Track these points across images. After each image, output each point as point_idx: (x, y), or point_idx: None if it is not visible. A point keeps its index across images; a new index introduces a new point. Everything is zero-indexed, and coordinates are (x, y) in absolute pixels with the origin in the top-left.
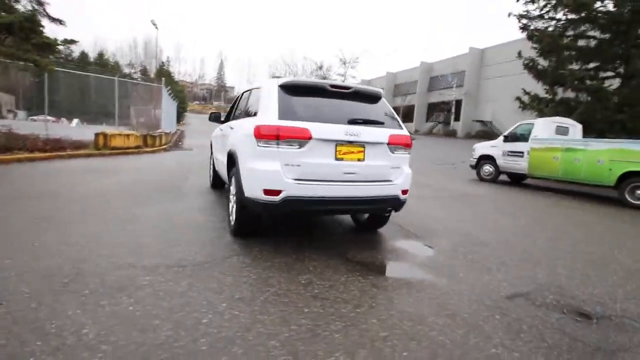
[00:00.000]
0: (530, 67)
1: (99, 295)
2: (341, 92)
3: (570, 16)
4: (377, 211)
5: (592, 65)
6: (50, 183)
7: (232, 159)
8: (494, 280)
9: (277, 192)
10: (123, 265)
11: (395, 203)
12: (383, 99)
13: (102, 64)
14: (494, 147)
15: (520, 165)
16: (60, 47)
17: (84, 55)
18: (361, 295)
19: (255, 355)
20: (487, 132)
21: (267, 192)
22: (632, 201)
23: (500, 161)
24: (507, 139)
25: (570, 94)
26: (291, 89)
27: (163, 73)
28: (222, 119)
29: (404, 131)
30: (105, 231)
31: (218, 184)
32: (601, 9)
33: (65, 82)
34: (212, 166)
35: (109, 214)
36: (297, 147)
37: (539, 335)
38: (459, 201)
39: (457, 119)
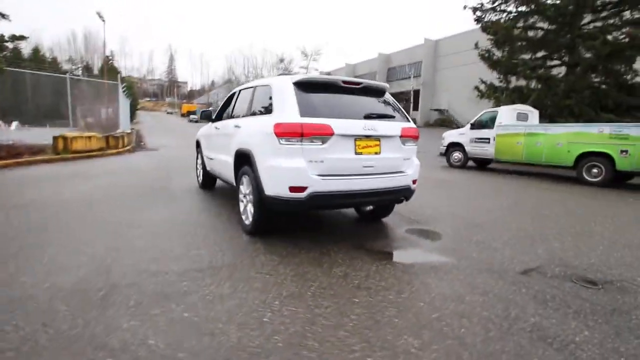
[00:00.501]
0: (486, 57)
1: (146, 305)
2: (352, 88)
3: (520, 8)
4: (391, 201)
5: (540, 54)
6: (27, 192)
7: (243, 158)
8: (505, 258)
9: (303, 189)
10: (154, 273)
11: (407, 193)
12: (387, 93)
13: (39, 60)
14: (462, 135)
15: (488, 151)
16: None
17: (16, 50)
18: (398, 282)
19: (332, 345)
20: (445, 120)
21: (293, 189)
22: (589, 179)
23: (468, 148)
24: (474, 126)
25: (522, 82)
26: (305, 86)
27: (109, 69)
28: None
29: (412, 124)
30: (115, 239)
31: (208, 183)
32: (549, 1)
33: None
34: (201, 166)
35: (108, 220)
36: (320, 143)
37: (563, 302)
38: (439, 187)
39: (415, 108)
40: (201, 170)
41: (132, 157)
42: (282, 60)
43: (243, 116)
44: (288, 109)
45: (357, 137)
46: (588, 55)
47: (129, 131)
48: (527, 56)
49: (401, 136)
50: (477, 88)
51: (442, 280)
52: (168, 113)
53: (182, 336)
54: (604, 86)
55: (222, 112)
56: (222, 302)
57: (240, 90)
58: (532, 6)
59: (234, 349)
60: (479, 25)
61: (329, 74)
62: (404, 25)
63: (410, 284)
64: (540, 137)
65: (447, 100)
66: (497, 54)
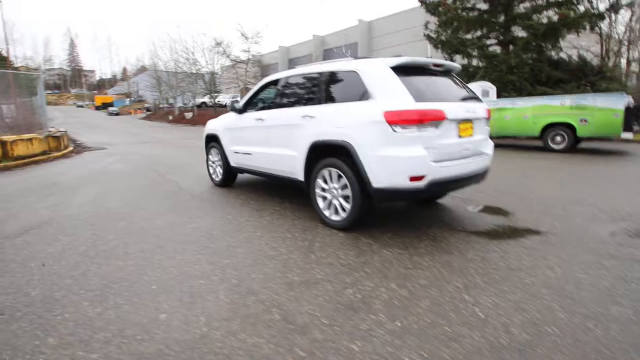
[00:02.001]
0: (431, 37)
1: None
2: (437, 70)
3: None
4: (476, 183)
5: (477, 34)
6: (12, 210)
7: (327, 151)
8: (585, 225)
9: (422, 177)
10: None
11: (487, 173)
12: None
13: None
14: None
15: None
16: None
17: None
18: (520, 262)
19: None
20: None
21: (414, 178)
22: (554, 146)
23: None
24: None
25: (464, 61)
26: (400, 70)
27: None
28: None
29: (485, 103)
30: (214, 260)
31: (229, 180)
32: None
33: None
34: (219, 163)
35: (166, 238)
36: (434, 129)
37: None
38: None
39: None
40: (219, 168)
41: (87, 159)
42: (219, 44)
43: (306, 105)
44: (398, 95)
45: (460, 121)
46: (523, 34)
47: (63, 130)
48: (469, 36)
49: (486, 117)
50: None
51: (550, 254)
52: (78, 106)
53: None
54: (539, 63)
55: (255, 103)
56: (385, 293)
57: (288, 78)
58: None
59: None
60: (422, 5)
61: (262, 57)
62: (335, 6)
63: (534, 263)
64: (508, 111)
65: None
66: (442, 34)
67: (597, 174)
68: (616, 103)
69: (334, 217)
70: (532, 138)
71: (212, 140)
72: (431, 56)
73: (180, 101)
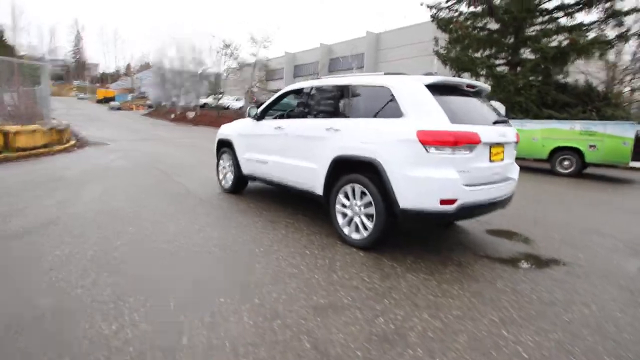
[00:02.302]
0: (440, 54)
1: None
2: (469, 91)
3: (471, 9)
4: (502, 208)
5: (486, 53)
6: (17, 205)
7: (352, 166)
8: (608, 257)
9: (453, 201)
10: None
11: (512, 198)
12: None
13: None
14: None
15: None
16: None
17: None
18: (553, 296)
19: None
20: None
21: (444, 201)
22: (561, 170)
23: None
24: None
25: (472, 79)
26: (435, 88)
27: (0, 46)
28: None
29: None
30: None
31: (240, 188)
32: (502, 4)
33: None
34: (230, 169)
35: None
36: (468, 152)
37: None
38: None
39: None
40: (230, 174)
41: (90, 154)
42: (228, 46)
43: (331, 117)
44: (433, 115)
45: (492, 145)
46: (531, 56)
47: (66, 123)
48: (478, 54)
49: (516, 142)
50: None
51: (585, 283)
52: (80, 98)
53: None
54: (546, 85)
55: (274, 111)
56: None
57: (312, 87)
58: (484, 7)
59: None
60: (434, 21)
61: (268, 61)
62: (344, 17)
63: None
64: (518, 133)
65: None
66: (452, 51)
67: (606, 201)
68: (626, 131)
69: (355, 235)
70: (540, 160)
71: (225, 146)
72: (437, 71)
73: (183, 100)
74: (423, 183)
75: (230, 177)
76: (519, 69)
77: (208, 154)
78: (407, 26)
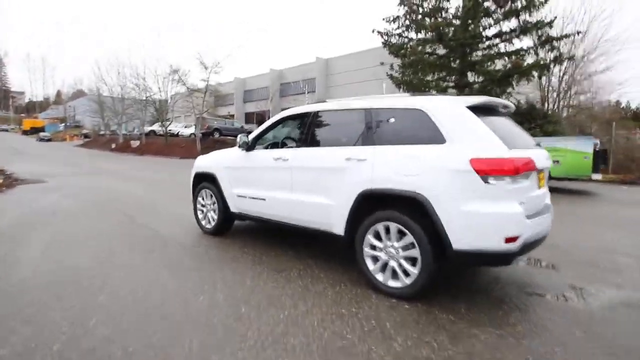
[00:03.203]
0: (394, 77)
1: None
2: (503, 112)
3: (420, 36)
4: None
5: (437, 76)
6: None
7: (387, 201)
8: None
9: (516, 238)
10: None
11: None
12: None
13: None
14: None
15: None
16: None
17: None
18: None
19: None
20: None
21: (509, 239)
22: None
23: None
24: None
25: None
26: (476, 110)
27: None
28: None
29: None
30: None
31: (225, 228)
32: (449, 31)
33: None
34: (211, 207)
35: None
36: (526, 180)
37: None
38: None
39: None
40: (213, 213)
41: (24, 195)
42: (175, 71)
43: (352, 145)
44: (485, 140)
45: (539, 170)
46: (478, 78)
47: None
48: (429, 77)
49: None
50: None
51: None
52: (2, 130)
53: None
54: None
55: (269, 139)
56: None
57: (321, 112)
58: (434, 34)
59: None
60: (386, 47)
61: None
62: (293, 42)
63: None
64: None
65: None
66: (405, 74)
67: (588, 215)
68: (586, 146)
69: (392, 283)
70: None
71: (205, 180)
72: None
73: (125, 128)
74: (484, 219)
75: (212, 216)
76: (466, 90)
77: (168, 187)
78: (355, 52)
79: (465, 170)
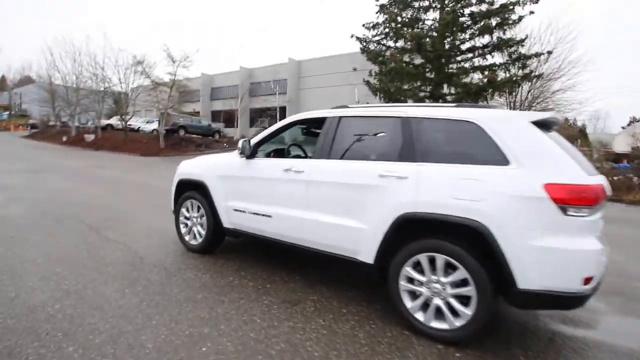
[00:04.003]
0: (371, 84)
1: None
2: (556, 129)
3: (399, 44)
4: None
5: (414, 85)
6: None
7: (433, 228)
8: None
9: (592, 278)
10: None
11: None
12: None
13: None
14: None
15: None
16: None
17: None
18: None
19: None
20: None
21: (587, 280)
22: None
23: None
24: None
25: None
26: (540, 126)
27: None
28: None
29: None
30: None
31: (214, 245)
32: (427, 42)
33: None
34: (197, 220)
35: None
36: (599, 211)
37: None
38: None
39: None
40: (200, 227)
41: None
42: (140, 62)
43: (389, 161)
44: (561, 164)
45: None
46: (453, 90)
47: None
48: (406, 86)
49: None
50: None
51: None
52: None
53: None
54: None
55: (276, 148)
56: None
57: (347, 118)
58: (413, 43)
59: None
60: (364, 54)
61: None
62: (264, 41)
63: None
64: None
65: None
66: (383, 82)
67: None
68: None
69: (437, 324)
70: None
71: (192, 189)
72: (358, 101)
73: (78, 120)
74: (561, 256)
75: (199, 231)
76: (440, 101)
77: (137, 190)
78: (328, 56)
79: (537, 197)
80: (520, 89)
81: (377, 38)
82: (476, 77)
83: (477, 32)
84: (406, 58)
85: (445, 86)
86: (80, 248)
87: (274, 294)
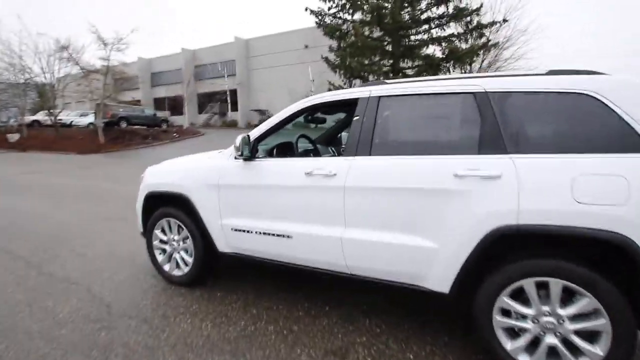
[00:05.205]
0: (330, 61)
1: None
2: None
3: (357, 17)
4: None
5: (374, 60)
6: None
7: (550, 246)
8: None
9: None
10: None
11: None
12: None
13: None
14: None
15: None
16: None
17: None
18: None
19: None
20: None
21: None
22: None
23: None
24: None
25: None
26: None
27: None
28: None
29: None
30: None
31: (207, 273)
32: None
33: None
34: (191, 244)
35: None
36: None
37: None
38: None
39: (234, 109)
40: (184, 253)
41: None
42: (65, 47)
43: (448, 153)
44: None
45: None
46: (415, 63)
47: None
48: (366, 61)
49: None
50: (329, 90)
51: None
52: None
53: None
54: None
55: (283, 143)
56: None
57: (380, 99)
58: (372, 16)
59: None
60: (320, 28)
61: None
62: (205, 19)
63: None
64: None
65: (266, 100)
66: (343, 57)
67: None
68: None
69: None
70: None
71: (167, 204)
72: (313, 80)
73: None
74: None
75: (183, 258)
76: (400, 75)
77: (79, 198)
78: (278, 33)
79: None
80: (479, 58)
81: (333, 11)
82: (436, 48)
83: (434, 2)
84: (366, 31)
85: (404, 59)
86: (15, 300)
87: (309, 340)
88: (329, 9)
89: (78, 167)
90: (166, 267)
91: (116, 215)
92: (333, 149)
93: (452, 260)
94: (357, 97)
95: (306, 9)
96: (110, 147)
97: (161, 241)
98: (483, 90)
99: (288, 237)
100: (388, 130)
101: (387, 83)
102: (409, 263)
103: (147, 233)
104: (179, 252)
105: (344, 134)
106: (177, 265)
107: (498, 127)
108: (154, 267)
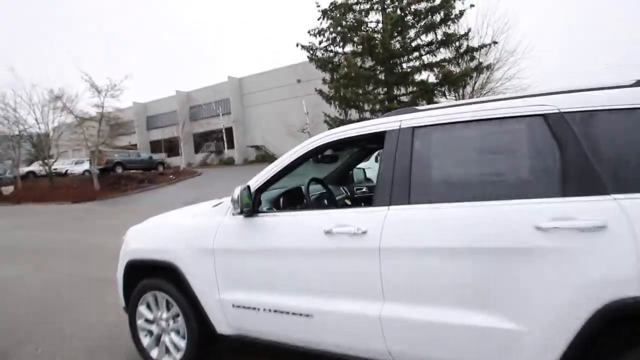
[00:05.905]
0: (324, 93)
1: None
2: None
3: (348, 49)
4: None
5: (368, 89)
6: None
7: None
8: None
9: None
10: None
11: None
12: None
13: None
14: None
15: None
16: None
17: None
18: None
19: None
20: (264, 156)
21: None
22: None
23: None
24: None
25: (356, 116)
26: None
27: None
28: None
29: None
30: None
31: (203, 356)
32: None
33: None
34: (182, 324)
35: None
36: None
37: None
38: None
39: (231, 146)
40: (174, 335)
41: None
42: (58, 97)
43: (518, 197)
44: None
45: None
46: (412, 89)
47: None
48: (360, 91)
49: None
50: (326, 122)
51: None
52: None
53: None
54: None
55: (289, 191)
56: None
57: (415, 130)
58: (363, 47)
59: None
60: (312, 62)
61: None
62: (198, 62)
63: None
64: None
65: (262, 136)
66: (339, 89)
67: None
68: None
69: None
70: None
71: (153, 275)
72: (307, 112)
73: None
74: None
75: (174, 341)
76: (395, 102)
77: (68, 255)
78: (269, 70)
79: None
80: (472, 81)
81: (324, 45)
82: (430, 74)
83: (423, 29)
84: (358, 62)
85: (398, 87)
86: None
87: None
88: (320, 42)
89: (71, 217)
90: (153, 354)
91: (106, 277)
92: (345, 188)
93: (544, 345)
94: (384, 130)
95: (297, 45)
96: (105, 193)
97: (147, 320)
98: (557, 111)
99: (307, 315)
100: (430, 169)
101: (419, 110)
102: (479, 350)
103: (130, 308)
104: (168, 334)
105: (355, 170)
106: (167, 351)
107: (587, 157)
108: (139, 353)
